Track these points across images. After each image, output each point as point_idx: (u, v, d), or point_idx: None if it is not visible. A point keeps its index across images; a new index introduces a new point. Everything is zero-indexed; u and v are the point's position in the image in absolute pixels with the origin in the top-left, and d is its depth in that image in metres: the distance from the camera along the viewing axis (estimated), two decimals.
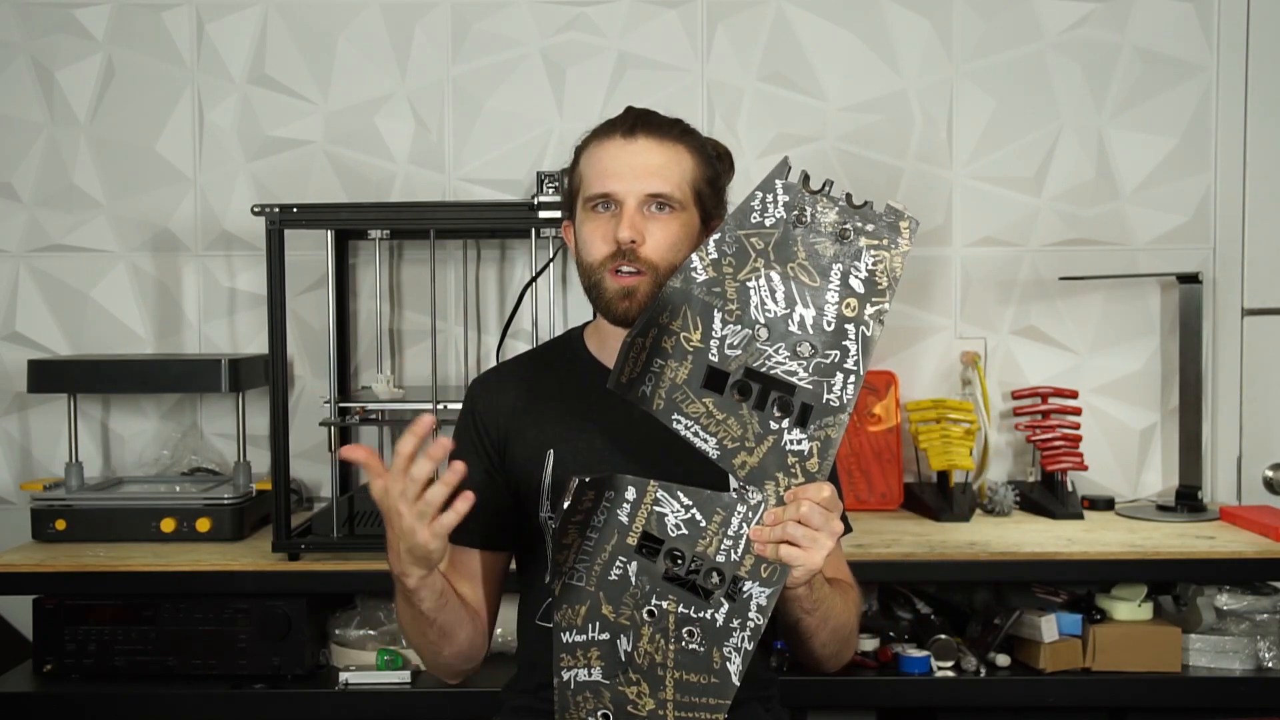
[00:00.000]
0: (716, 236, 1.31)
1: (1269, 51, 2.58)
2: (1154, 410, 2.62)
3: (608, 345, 1.53)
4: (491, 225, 2.40)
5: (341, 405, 2.29)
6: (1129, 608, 2.16)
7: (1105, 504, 2.49)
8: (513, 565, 1.58)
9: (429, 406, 2.21)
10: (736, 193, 2.55)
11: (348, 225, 2.25)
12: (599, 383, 1.50)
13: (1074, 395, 2.54)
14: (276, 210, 2.11)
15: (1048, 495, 2.46)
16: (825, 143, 2.60)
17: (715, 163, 1.54)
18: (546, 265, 2.31)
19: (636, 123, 1.48)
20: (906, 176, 2.61)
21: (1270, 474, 2.59)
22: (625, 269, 1.44)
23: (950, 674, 2.11)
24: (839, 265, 1.28)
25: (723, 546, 1.30)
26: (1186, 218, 2.60)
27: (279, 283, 2.10)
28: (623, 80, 2.60)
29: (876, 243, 1.27)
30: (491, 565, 1.55)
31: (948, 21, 2.61)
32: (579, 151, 1.53)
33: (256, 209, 2.11)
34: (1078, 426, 2.51)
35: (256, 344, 2.61)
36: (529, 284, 2.30)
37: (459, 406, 1.64)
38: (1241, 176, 2.59)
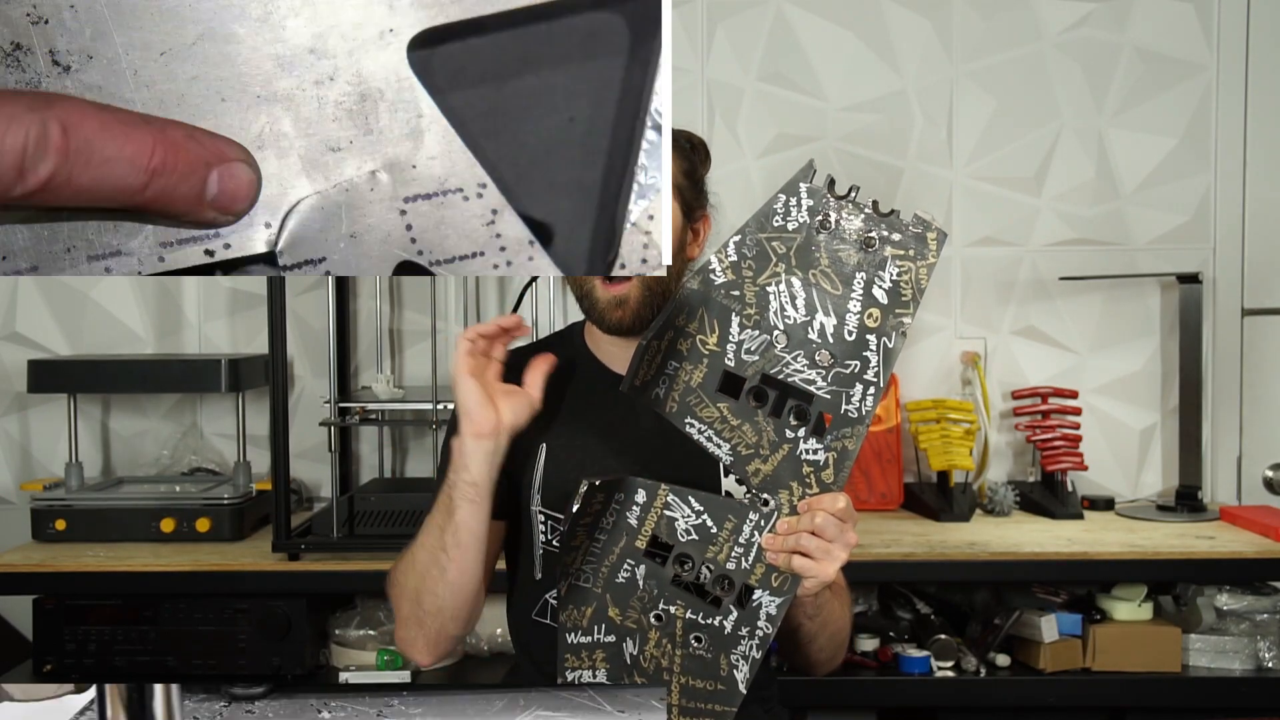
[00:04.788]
0: (736, 238, 1.27)
1: (1269, 51, 2.58)
2: (1154, 410, 2.62)
3: (603, 346, 1.54)
4: None
5: (341, 405, 2.29)
6: (1129, 608, 2.16)
7: (1105, 504, 2.49)
8: (501, 565, 1.57)
9: (429, 406, 2.21)
10: (736, 193, 2.57)
11: None
12: (597, 381, 1.51)
13: (1074, 395, 2.54)
14: None
15: (1048, 495, 2.46)
16: (825, 143, 2.60)
17: (691, 154, 1.53)
18: None
19: None
20: (906, 176, 2.61)
21: (1270, 474, 2.59)
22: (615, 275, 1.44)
23: (950, 674, 2.12)
24: (862, 274, 1.24)
25: (733, 554, 1.28)
26: (1186, 218, 2.60)
27: (279, 283, 2.10)
28: None
29: (902, 253, 1.23)
30: (493, 532, 1.47)
31: (948, 21, 2.60)
32: None
33: None
34: (1078, 426, 2.51)
35: (256, 344, 2.61)
36: (529, 284, 2.30)
37: None
38: (1241, 176, 2.59)
